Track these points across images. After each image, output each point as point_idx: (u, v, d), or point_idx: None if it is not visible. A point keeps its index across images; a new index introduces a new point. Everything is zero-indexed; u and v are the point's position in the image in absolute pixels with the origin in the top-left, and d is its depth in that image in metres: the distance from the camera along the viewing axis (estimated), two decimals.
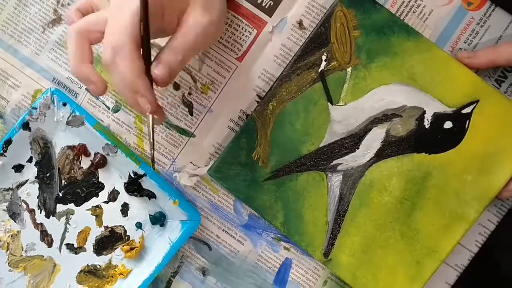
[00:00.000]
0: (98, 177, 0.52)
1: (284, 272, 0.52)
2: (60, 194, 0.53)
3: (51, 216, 0.53)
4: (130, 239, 0.52)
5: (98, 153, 0.52)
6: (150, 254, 0.52)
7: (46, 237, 0.53)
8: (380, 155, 0.48)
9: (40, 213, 0.53)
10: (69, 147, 0.52)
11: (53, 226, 0.53)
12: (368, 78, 0.48)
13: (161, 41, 0.47)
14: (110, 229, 0.53)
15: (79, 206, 0.53)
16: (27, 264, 0.53)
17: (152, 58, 0.41)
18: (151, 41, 0.41)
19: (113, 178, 0.52)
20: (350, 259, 0.49)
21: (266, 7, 0.51)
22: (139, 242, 0.52)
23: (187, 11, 0.42)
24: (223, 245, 0.52)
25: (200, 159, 0.52)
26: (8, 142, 0.52)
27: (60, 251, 0.53)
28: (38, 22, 0.53)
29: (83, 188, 0.53)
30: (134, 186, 0.52)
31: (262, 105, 0.49)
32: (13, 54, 0.53)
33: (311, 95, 0.49)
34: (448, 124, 0.47)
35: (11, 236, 0.53)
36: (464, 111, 0.47)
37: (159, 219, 0.52)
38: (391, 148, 0.48)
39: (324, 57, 0.48)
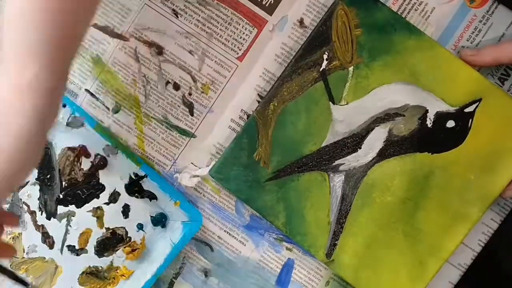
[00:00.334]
0: (98, 179, 0.52)
1: (287, 272, 0.51)
2: (61, 196, 0.52)
3: (52, 218, 0.53)
4: (132, 241, 0.52)
5: (98, 154, 0.52)
6: (152, 256, 0.52)
7: (47, 239, 0.53)
8: (382, 154, 0.48)
9: (41, 215, 0.53)
10: (69, 148, 0.52)
11: (54, 227, 0.53)
12: (370, 77, 0.47)
13: None
14: (111, 230, 0.52)
15: (80, 207, 0.52)
16: (29, 266, 0.53)
17: None
18: None
19: (113, 179, 0.52)
20: (352, 259, 0.49)
21: (267, 5, 0.50)
22: (141, 243, 0.52)
23: None
24: (225, 246, 0.52)
25: (201, 159, 0.52)
26: None
27: (61, 252, 0.53)
28: None
29: (84, 189, 0.52)
30: (135, 187, 0.51)
31: (263, 105, 0.49)
32: None
33: (313, 94, 0.48)
34: (450, 123, 0.47)
35: (13, 238, 0.53)
36: (466, 109, 0.47)
37: (160, 220, 0.52)
38: (393, 147, 0.48)
39: (325, 56, 0.48)
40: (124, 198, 0.52)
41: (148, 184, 0.51)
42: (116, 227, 0.52)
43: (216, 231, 0.52)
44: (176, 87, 0.51)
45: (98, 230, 0.52)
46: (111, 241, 0.52)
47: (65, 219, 0.53)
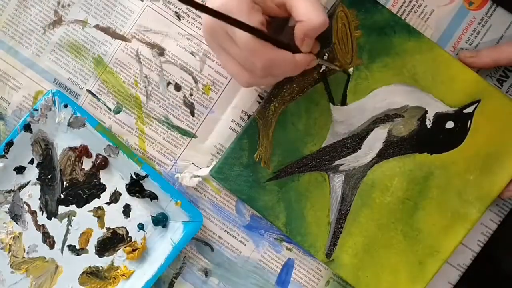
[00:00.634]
0: (99, 179, 0.52)
1: (287, 272, 0.52)
2: (62, 196, 0.53)
3: (53, 218, 0.53)
4: (132, 241, 0.52)
5: (99, 154, 0.52)
6: (152, 255, 0.52)
7: (48, 238, 0.53)
8: (382, 155, 0.48)
9: (42, 214, 0.53)
10: (70, 148, 0.52)
11: (55, 227, 0.53)
12: (370, 79, 0.48)
13: None
14: (112, 230, 0.53)
15: (81, 207, 0.53)
16: (29, 266, 0.53)
17: None
18: None
19: (114, 179, 0.52)
20: (352, 259, 0.49)
21: None
22: (141, 243, 0.52)
23: None
24: (225, 246, 0.52)
25: (202, 160, 0.52)
26: (10, 144, 0.51)
27: (62, 252, 0.53)
28: (39, 23, 0.53)
29: (85, 189, 0.53)
30: (136, 187, 0.51)
31: (264, 106, 0.49)
32: (14, 56, 0.53)
33: (313, 95, 0.49)
34: (450, 124, 0.47)
35: (13, 238, 0.53)
36: (465, 111, 0.47)
37: (161, 220, 0.52)
38: (393, 148, 0.48)
39: (325, 58, 0.48)
40: (125, 198, 0.52)
41: (149, 184, 0.51)
42: (117, 227, 0.52)
43: (217, 231, 0.52)
44: (177, 87, 0.52)
45: (99, 230, 0.53)
46: (112, 241, 0.53)
47: (66, 219, 0.53)
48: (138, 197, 0.52)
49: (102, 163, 0.52)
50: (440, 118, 0.47)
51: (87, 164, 0.52)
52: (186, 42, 0.51)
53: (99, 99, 0.52)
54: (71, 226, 0.53)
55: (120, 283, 0.52)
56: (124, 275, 0.52)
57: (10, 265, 0.53)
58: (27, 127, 0.52)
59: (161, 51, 0.51)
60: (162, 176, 0.51)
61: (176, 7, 0.51)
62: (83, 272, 0.53)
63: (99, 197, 0.52)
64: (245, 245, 0.52)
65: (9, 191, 0.53)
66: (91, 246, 0.53)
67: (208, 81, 0.51)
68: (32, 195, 0.53)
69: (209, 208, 0.52)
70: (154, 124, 0.52)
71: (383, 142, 0.48)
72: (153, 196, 0.51)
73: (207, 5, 0.37)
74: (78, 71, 0.53)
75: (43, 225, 0.53)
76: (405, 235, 0.48)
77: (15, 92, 0.53)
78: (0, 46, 0.53)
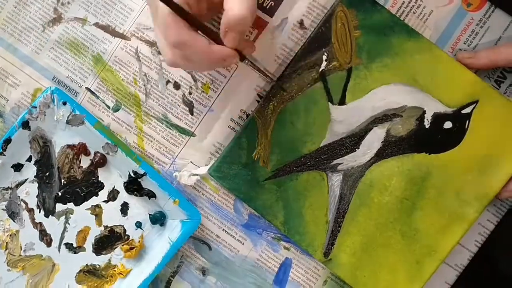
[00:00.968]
0: (97, 176, 0.52)
1: (284, 271, 0.52)
2: (60, 194, 0.53)
3: (50, 216, 0.53)
4: (130, 239, 0.52)
5: (98, 152, 0.52)
6: (150, 254, 0.52)
7: (45, 236, 0.53)
8: (380, 155, 0.48)
9: (39, 212, 0.53)
10: (69, 146, 0.52)
11: (52, 225, 0.53)
12: (369, 78, 0.48)
13: None
14: (109, 228, 0.52)
15: (79, 205, 0.53)
16: (26, 263, 0.53)
17: None
18: None
19: (113, 177, 0.52)
20: (350, 258, 0.49)
21: (267, 7, 0.51)
22: (139, 241, 0.52)
23: None
24: (223, 245, 0.52)
25: (201, 158, 0.52)
26: (8, 141, 0.51)
27: (59, 250, 0.53)
28: (38, 21, 0.53)
29: (83, 187, 0.52)
30: (134, 185, 0.51)
31: (263, 105, 0.49)
32: (13, 53, 0.53)
33: (312, 95, 0.49)
34: (448, 124, 0.48)
35: (10, 235, 0.53)
36: (464, 111, 0.47)
37: (159, 219, 0.52)
38: (391, 148, 0.48)
39: (324, 57, 0.48)
40: (123, 196, 0.52)
41: (147, 183, 0.51)
42: (114, 225, 0.52)
43: (215, 230, 0.52)
44: (177, 86, 0.52)
45: (97, 228, 0.52)
46: (109, 239, 0.52)
47: (64, 216, 0.53)
48: (136, 195, 0.52)
49: (100, 161, 0.52)
50: (438, 118, 0.48)
51: (85, 162, 0.52)
52: None
53: (98, 97, 0.52)
54: (68, 224, 0.53)
55: (117, 282, 0.52)
56: (121, 274, 0.52)
57: (7, 263, 0.53)
58: (25, 125, 0.51)
59: None
60: (160, 174, 0.51)
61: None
62: (80, 270, 0.53)
63: (97, 195, 0.52)
64: (243, 244, 0.52)
65: (7, 189, 0.53)
66: (89, 244, 0.53)
67: (207, 79, 0.51)
68: (29, 192, 0.53)
69: (207, 207, 0.52)
70: (153, 123, 0.52)
71: (382, 142, 0.48)
72: (151, 195, 0.51)
73: None
74: (77, 69, 0.53)
75: (40, 223, 0.53)
76: (403, 235, 0.48)
77: (14, 89, 0.53)
78: None
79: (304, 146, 0.49)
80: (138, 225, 0.52)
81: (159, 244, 0.51)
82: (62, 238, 0.53)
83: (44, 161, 0.52)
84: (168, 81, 0.52)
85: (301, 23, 0.50)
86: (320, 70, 0.48)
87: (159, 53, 0.51)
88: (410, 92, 0.48)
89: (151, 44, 0.51)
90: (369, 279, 0.49)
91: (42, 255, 0.53)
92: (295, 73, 0.49)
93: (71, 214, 0.53)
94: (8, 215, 0.53)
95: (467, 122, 0.47)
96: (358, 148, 0.49)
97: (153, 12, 0.42)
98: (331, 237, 0.49)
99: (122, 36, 0.52)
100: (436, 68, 0.47)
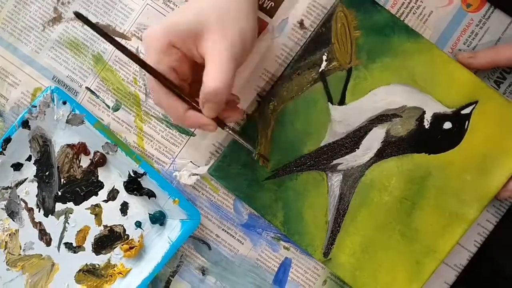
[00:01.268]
0: (97, 176, 0.52)
1: (284, 271, 0.52)
2: (59, 193, 0.52)
3: (49, 215, 0.53)
4: (129, 238, 0.52)
5: (97, 151, 0.52)
6: (150, 253, 0.52)
7: (44, 236, 0.53)
8: (380, 155, 0.49)
9: (39, 212, 0.53)
10: (68, 145, 0.52)
11: (52, 225, 0.53)
12: (369, 79, 0.48)
13: None
14: (109, 228, 0.52)
15: (78, 205, 0.52)
16: (25, 263, 0.53)
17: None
18: None
19: (112, 177, 0.52)
20: (349, 258, 0.49)
21: (267, 8, 0.51)
22: (139, 241, 0.52)
23: (208, 39, 0.40)
24: (222, 245, 0.52)
25: (200, 158, 0.52)
26: (7, 140, 0.51)
27: (58, 250, 0.53)
28: (38, 20, 0.53)
29: (83, 187, 0.52)
30: (133, 185, 0.51)
31: (263, 105, 0.49)
32: (12, 52, 0.53)
33: (312, 95, 0.49)
34: (447, 125, 0.48)
35: (9, 235, 0.53)
36: (463, 111, 0.48)
37: (158, 218, 0.52)
38: (391, 148, 0.48)
39: (324, 57, 0.48)
40: (123, 195, 0.52)
41: (147, 182, 0.51)
42: (114, 225, 0.52)
43: (214, 230, 0.52)
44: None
45: (96, 227, 0.52)
46: (109, 239, 0.52)
47: (63, 216, 0.53)
48: (136, 195, 0.52)
49: (100, 161, 0.52)
50: (438, 118, 0.48)
51: (85, 162, 0.52)
52: None
53: (98, 97, 0.52)
54: (68, 223, 0.53)
55: (117, 281, 0.52)
56: (120, 273, 0.52)
57: (6, 262, 0.53)
58: (25, 124, 0.51)
59: None
60: (160, 174, 0.51)
61: (176, 5, 0.51)
62: (80, 270, 0.53)
63: (96, 194, 0.52)
64: (242, 243, 0.52)
65: (6, 188, 0.53)
66: (88, 244, 0.53)
67: None
68: (29, 192, 0.53)
69: (207, 207, 0.52)
70: (153, 122, 0.52)
71: (381, 142, 0.49)
72: (151, 194, 0.51)
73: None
74: (77, 68, 0.53)
75: (39, 222, 0.53)
76: (403, 235, 0.48)
77: (14, 89, 0.53)
78: None
79: (304, 146, 0.49)
80: (138, 224, 0.52)
81: (159, 244, 0.51)
82: (61, 237, 0.53)
83: (43, 161, 0.52)
84: None
85: (301, 23, 0.50)
86: (320, 70, 0.49)
87: None
88: (409, 92, 0.48)
89: None
90: (369, 279, 0.49)
91: (41, 255, 0.53)
92: (295, 73, 0.49)
93: (71, 213, 0.52)
94: (8, 215, 0.53)
95: (467, 122, 0.47)
96: (358, 148, 0.49)
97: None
98: (331, 237, 0.49)
99: (122, 36, 0.52)
100: (436, 69, 0.48)
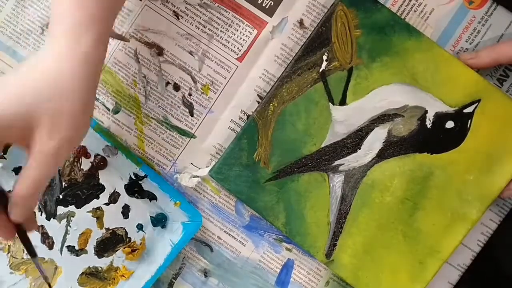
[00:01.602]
0: (98, 179, 0.52)
1: (286, 273, 0.52)
2: (61, 196, 0.52)
3: (51, 219, 0.53)
4: (131, 241, 0.52)
5: (98, 154, 0.52)
6: (152, 256, 0.52)
7: (47, 239, 0.53)
8: (382, 155, 0.48)
9: (41, 215, 0.53)
10: None
11: (54, 228, 0.53)
12: (370, 78, 0.48)
13: None
14: (111, 231, 0.52)
15: (80, 208, 0.52)
16: (28, 266, 0.53)
17: None
18: None
19: (113, 179, 0.52)
20: (352, 259, 0.49)
21: (267, 7, 0.50)
22: (141, 243, 0.52)
23: (34, 135, 0.38)
24: (224, 247, 0.52)
25: (201, 160, 0.52)
26: (9, 144, 0.51)
27: (61, 253, 0.53)
28: (36, 23, 0.53)
29: (84, 190, 0.52)
30: (134, 187, 0.51)
31: (263, 106, 0.49)
32: (11, 56, 0.53)
33: (312, 95, 0.48)
34: (450, 124, 0.47)
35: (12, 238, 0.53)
36: (465, 110, 0.47)
37: (160, 221, 0.52)
38: (393, 148, 0.48)
39: (325, 57, 0.48)
40: (124, 198, 0.52)
41: (148, 185, 0.51)
42: (116, 228, 0.52)
43: (216, 232, 0.52)
44: (176, 87, 0.51)
45: (98, 230, 0.52)
46: (111, 242, 0.52)
47: (65, 219, 0.53)
48: (137, 197, 0.52)
49: (101, 164, 0.52)
50: (440, 117, 0.47)
51: (85, 165, 0.52)
52: (184, 41, 0.51)
53: (97, 99, 0.52)
54: (70, 226, 0.53)
55: (120, 284, 0.52)
56: (123, 276, 0.52)
57: (9, 266, 0.53)
58: None
59: (160, 51, 0.51)
60: (161, 176, 0.51)
61: (175, 6, 0.51)
62: (83, 273, 0.53)
63: (98, 197, 0.52)
64: (244, 245, 0.52)
65: (9, 192, 0.53)
66: (90, 247, 0.53)
67: (207, 80, 0.51)
68: None
69: (208, 209, 0.52)
70: (153, 124, 0.52)
71: (383, 142, 0.48)
72: (152, 197, 0.51)
73: None
74: None
75: (42, 226, 0.53)
76: (405, 235, 0.48)
77: None
78: None
79: (305, 147, 0.49)
80: (140, 227, 0.52)
81: (161, 246, 0.51)
82: (64, 240, 0.53)
83: None
84: (167, 83, 0.51)
85: (301, 22, 0.50)
86: (321, 70, 0.48)
87: (158, 54, 0.51)
88: (411, 91, 0.47)
89: (150, 45, 0.51)
90: (371, 280, 0.49)
91: (44, 258, 0.53)
92: (295, 74, 0.48)
93: (73, 216, 0.53)
94: None
95: (469, 121, 0.47)
96: (360, 149, 0.48)
97: None
98: (333, 238, 0.49)
99: (121, 38, 0.51)
100: (438, 67, 0.47)
